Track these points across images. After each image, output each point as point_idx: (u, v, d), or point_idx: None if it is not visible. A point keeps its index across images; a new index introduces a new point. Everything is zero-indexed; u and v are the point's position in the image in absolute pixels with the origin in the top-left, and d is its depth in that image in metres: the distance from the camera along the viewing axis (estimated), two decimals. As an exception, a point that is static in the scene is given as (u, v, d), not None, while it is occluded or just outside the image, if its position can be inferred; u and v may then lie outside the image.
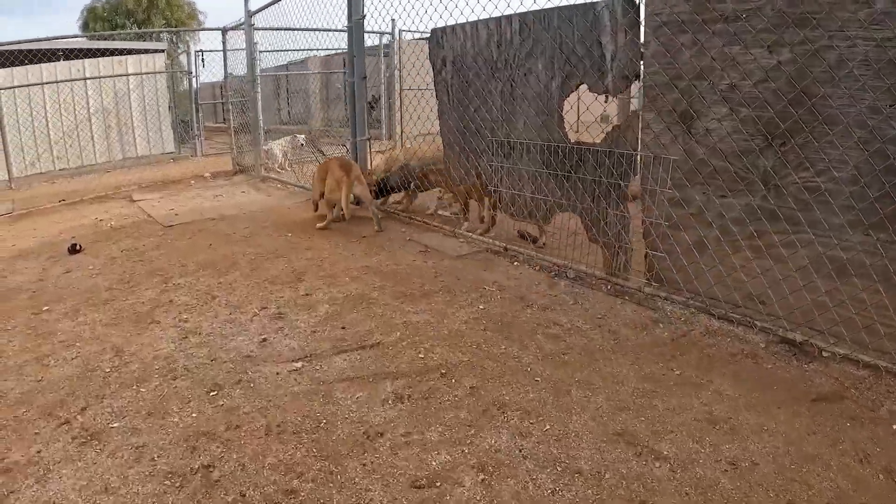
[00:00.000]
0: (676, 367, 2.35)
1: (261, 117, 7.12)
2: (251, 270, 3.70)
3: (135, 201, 6.33)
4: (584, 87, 3.35)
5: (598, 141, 3.30)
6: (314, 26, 7.31)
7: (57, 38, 6.67)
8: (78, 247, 4.46)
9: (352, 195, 4.44)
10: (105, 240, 4.73)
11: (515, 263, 3.69)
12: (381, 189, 5.12)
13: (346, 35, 5.07)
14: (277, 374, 2.38)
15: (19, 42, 6.62)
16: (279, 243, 4.31)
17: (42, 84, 9.20)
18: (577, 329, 2.72)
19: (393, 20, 9.49)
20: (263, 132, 7.18)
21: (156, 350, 2.64)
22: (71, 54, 9.49)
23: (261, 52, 7.62)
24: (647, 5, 2.92)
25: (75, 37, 6.61)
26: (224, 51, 7.81)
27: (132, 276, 3.70)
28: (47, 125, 9.56)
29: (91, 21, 21.03)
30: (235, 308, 3.09)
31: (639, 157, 3.09)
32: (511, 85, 3.74)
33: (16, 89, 9.01)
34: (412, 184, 5.01)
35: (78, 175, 8.97)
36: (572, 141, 3.47)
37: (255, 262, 3.87)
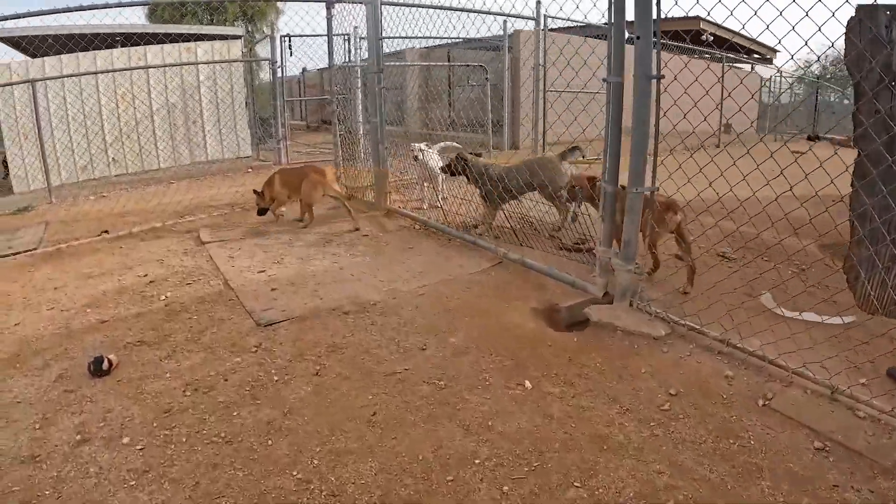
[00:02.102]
0: None
1: (384, 122, 4.94)
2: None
3: (204, 244, 4.27)
4: None
5: None
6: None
7: (100, 6, 4.69)
8: (106, 364, 2.38)
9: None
10: (155, 342, 2.63)
11: None
12: None
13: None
14: None
15: (59, 10, 4.68)
16: (527, 420, 1.95)
17: (96, 73, 7.41)
18: None
19: (538, 2, 7.19)
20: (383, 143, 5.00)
21: None
22: (140, 40, 7.68)
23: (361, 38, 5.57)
24: None
25: (126, 5, 4.56)
26: (329, 35, 5.66)
27: (208, 522, 1.52)
28: (101, 123, 7.77)
29: (158, 8, 19.70)
30: None
31: None
32: None
33: (65, 80, 7.25)
34: None
35: (136, 185, 7.13)
36: None
37: None
